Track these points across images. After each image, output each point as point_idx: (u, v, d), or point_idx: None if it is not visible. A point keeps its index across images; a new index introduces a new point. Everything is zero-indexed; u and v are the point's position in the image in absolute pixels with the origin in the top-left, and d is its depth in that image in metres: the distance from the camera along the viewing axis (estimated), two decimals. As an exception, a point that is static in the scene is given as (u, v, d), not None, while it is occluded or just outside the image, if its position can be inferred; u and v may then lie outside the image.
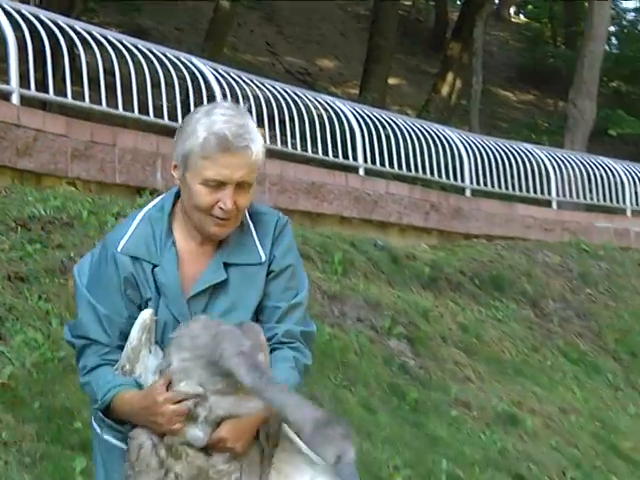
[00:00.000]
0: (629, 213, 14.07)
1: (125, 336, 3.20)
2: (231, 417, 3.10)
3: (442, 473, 6.68)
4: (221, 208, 3.15)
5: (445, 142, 12.17)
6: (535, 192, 13.04)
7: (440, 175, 11.98)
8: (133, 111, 8.86)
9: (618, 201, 14.05)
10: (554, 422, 8.54)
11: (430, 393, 7.79)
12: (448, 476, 6.69)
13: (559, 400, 8.99)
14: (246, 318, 3.25)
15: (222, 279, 3.24)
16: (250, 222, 3.29)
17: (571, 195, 13.53)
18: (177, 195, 3.26)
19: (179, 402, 3.06)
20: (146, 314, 3.19)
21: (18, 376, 5.04)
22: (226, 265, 3.24)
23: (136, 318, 3.21)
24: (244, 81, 10.21)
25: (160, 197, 3.31)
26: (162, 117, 9.23)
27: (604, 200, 13.92)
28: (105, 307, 3.20)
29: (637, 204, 14.19)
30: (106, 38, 9.07)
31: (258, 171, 3.23)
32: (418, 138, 11.78)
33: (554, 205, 13.22)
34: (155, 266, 3.22)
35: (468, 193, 12.21)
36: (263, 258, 3.27)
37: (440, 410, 7.63)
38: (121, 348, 3.20)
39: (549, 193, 13.20)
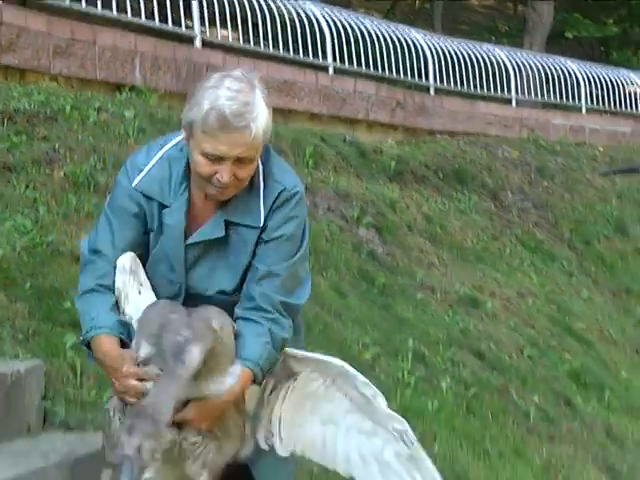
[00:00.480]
0: (584, 111, 14.08)
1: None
2: (195, 399, 3.07)
3: (408, 351, 6.76)
4: (219, 180, 3.11)
5: (410, 43, 12.09)
6: (495, 91, 13.01)
7: (405, 74, 11.92)
8: (112, 10, 8.75)
9: (574, 99, 14.05)
10: (513, 305, 8.64)
11: (397, 278, 7.86)
12: (414, 354, 6.78)
13: (517, 285, 9.09)
14: (235, 276, 3.24)
15: (219, 236, 3.22)
16: (262, 184, 3.21)
17: (529, 94, 13.51)
18: None
19: (142, 380, 3.04)
20: (125, 258, 3.18)
21: (9, 258, 5.05)
22: (227, 222, 3.21)
23: (144, 243, 3.23)
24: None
25: (182, 135, 3.22)
26: (140, 16, 9.12)
27: (560, 98, 13.93)
28: (117, 222, 3.21)
29: (592, 102, 14.21)
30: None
31: (261, 146, 3.12)
32: (385, 39, 11.71)
33: (513, 103, 13.20)
34: (164, 207, 3.21)
35: (432, 91, 12.17)
36: (261, 223, 3.21)
37: (406, 293, 7.71)
38: None
39: (509, 91, 13.18)
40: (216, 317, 3.06)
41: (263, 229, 3.21)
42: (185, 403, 3.05)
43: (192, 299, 3.27)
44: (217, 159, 3.08)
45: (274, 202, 3.20)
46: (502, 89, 13.09)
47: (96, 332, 3.14)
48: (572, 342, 8.64)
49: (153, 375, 3.01)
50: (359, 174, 9.23)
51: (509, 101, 13.17)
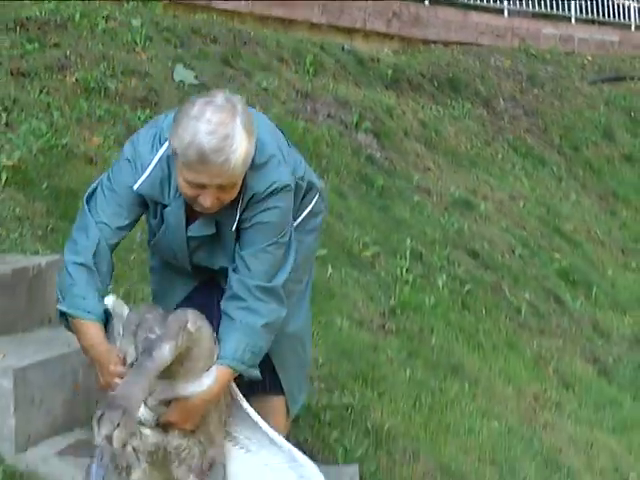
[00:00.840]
0: (573, 21, 13.97)
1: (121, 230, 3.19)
2: (176, 399, 3.07)
3: (406, 250, 6.81)
4: (201, 203, 3.06)
5: (406, -46, 11.96)
6: (488, 1, 12.90)
7: (401, -15, 11.82)
8: None
9: (563, 9, 13.93)
10: (505, 207, 8.68)
11: (394, 181, 7.89)
12: (412, 252, 6.82)
13: (509, 188, 9.12)
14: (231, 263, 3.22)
15: (210, 233, 3.20)
16: (249, 179, 3.11)
17: (521, 3, 13.39)
18: None
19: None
20: (109, 300, 3.18)
21: (26, 160, 5.07)
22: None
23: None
24: None
25: None
26: None
27: (551, 8, 13.80)
28: (118, 198, 3.16)
29: (581, 12, 14.08)
30: None
31: (243, 172, 3.03)
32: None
33: (505, 13, 13.10)
34: (165, 206, 3.18)
35: (427, 2, 12.07)
36: (234, 228, 3.17)
37: (404, 196, 7.74)
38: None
39: (501, 1, 13.06)
40: (192, 319, 3.04)
41: (241, 221, 3.17)
42: (167, 404, 3.07)
43: (205, 271, 3.34)
44: (199, 185, 3.02)
45: (251, 199, 3.13)
46: (494, -1, 12.99)
47: (85, 316, 3.12)
48: (561, 242, 8.69)
49: None
50: (357, 82, 9.20)
51: (501, 11, 13.06)
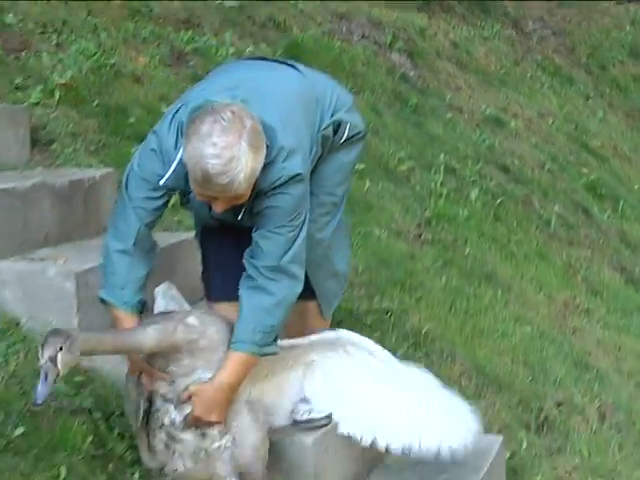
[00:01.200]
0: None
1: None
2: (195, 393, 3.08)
3: (440, 165, 6.83)
4: (214, 209, 3.07)
5: None
6: None
7: None
8: None
9: None
10: (534, 124, 8.66)
11: (428, 99, 7.88)
12: (445, 167, 6.84)
13: (538, 106, 9.08)
14: None
15: (229, 219, 3.21)
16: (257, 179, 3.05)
17: None
18: None
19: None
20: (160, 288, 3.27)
21: (78, 79, 5.09)
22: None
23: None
24: None
25: None
26: None
27: None
28: (146, 185, 3.16)
29: None
30: None
31: (251, 186, 3.00)
32: None
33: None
34: (190, 192, 3.16)
35: None
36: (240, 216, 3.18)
37: (437, 113, 7.73)
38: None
39: None
40: (197, 315, 3.08)
41: (252, 208, 3.16)
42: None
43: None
44: (208, 197, 3.03)
45: (265, 188, 3.11)
46: None
47: (121, 307, 3.16)
48: (589, 158, 8.67)
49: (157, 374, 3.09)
50: (389, 4, 9.13)
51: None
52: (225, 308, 3.48)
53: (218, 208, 3.03)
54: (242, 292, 3.14)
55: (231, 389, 3.11)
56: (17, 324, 3.57)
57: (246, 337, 3.09)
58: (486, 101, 8.49)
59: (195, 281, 3.88)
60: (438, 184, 6.59)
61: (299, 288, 3.19)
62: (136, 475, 3.14)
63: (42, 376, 2.71)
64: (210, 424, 3.10)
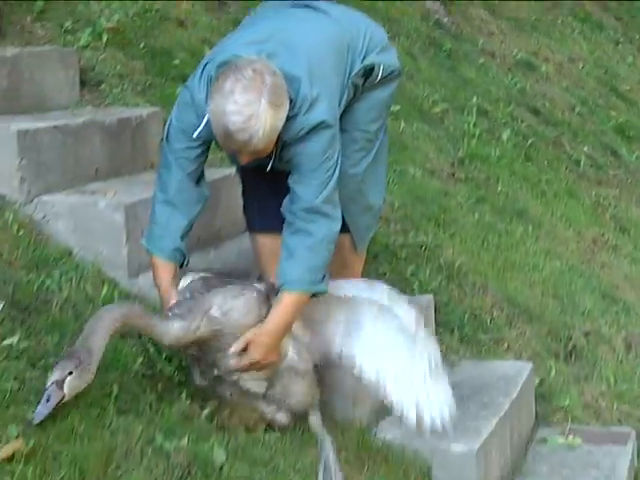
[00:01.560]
0: None
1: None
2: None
3: (473, 107, 6.79)
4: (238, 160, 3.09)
5: None
6: None
7: None
8: None
9: None
10: (564, 69, 8.58)
11: (461, 44, 7.81)
12: (478, 109, 6.80)
13: (568, 51, 8.99)
14: None
15: (263, 165, 3.19)
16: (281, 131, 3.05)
17: None
18: None
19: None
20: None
21: (124, 23, 5.08)
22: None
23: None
24: None
25: None
26: None
27: None
28: (185, 138, 3.18)
29: None
30: None
31: (272, 141, 3.01)
32: None
33: None
34: None
35: None
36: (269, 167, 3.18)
37: (470, 58, 7.67)
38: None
39: None
40: (219, 303, 3.05)
41: (281, 158, 3.16)
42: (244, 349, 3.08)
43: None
44: (232, 150, 3.05)
45: (281, 149, 3.13)
46: None
47: (159, 255, 3.19)
48: (617, 101, 8.59)
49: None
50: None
51: None
52: (263, 238, 3.56)
53: (242, 161, 3.06)
54: (284, 239, 3.15)
55: (284, 330, 3.13)
56: (70, 254, 3.62)
57: (295, 277, 3.09)
58: (518, 46, 8.41)
59: (237, 214, 3.92)
60: (471, 125, 6.56)
61: (337, 227, 3.18)
62: (183, 395, 3.18)
63: (45, 398, 2.66)
64: (265, 366, 3.12)
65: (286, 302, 3.10)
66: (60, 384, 2.68)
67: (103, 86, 4.68)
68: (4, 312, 3.10)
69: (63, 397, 2.69)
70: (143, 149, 4.32)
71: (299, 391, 3.23)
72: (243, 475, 2.93)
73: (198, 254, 3.77)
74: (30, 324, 3.14)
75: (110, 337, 2.90)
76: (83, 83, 4.62)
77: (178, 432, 2.91)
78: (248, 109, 2.91)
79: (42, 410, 2.64)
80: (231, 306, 3.06)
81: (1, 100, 4.11)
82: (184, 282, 3.22)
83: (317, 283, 3.14)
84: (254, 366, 3.12)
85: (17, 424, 2.63)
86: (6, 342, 2.96)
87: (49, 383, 2.68)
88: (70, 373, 2.69)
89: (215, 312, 3.04)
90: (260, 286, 3.17)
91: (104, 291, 3.49)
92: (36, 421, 2.63)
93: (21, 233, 3.56)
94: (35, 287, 3.33)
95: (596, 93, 8.46)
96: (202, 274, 3.23)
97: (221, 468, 2.89)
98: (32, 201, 3.70)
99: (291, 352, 3.20)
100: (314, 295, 3.15)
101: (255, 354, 3.09)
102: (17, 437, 2.57)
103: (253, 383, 3.17)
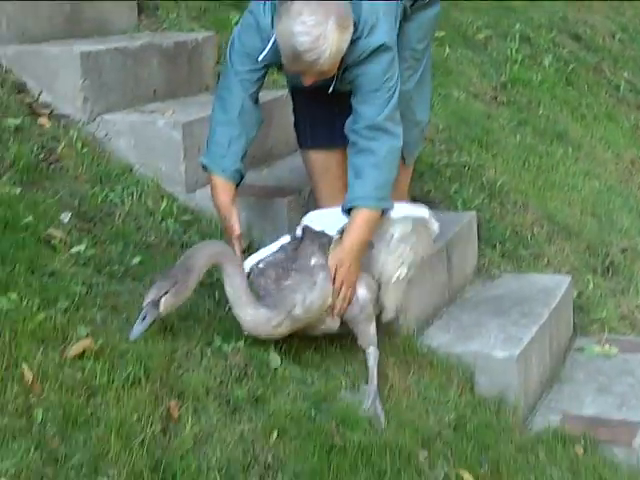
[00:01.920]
0: None
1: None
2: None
3: (516, 33, 6.70)
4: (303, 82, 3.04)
5: None
6: None
7: None
8: None
9: None
10: (606, -4, 8.41)
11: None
12: (520, 35, 6.71)
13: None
14: None
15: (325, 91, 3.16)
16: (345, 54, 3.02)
17: None
18: None
19: None
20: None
21: None
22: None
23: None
24: None
25: None
26: None
27: None
28: (249, 61, 3.16)
29: None
30: None
31: (337, 61, 2.99)
32: None
33: None
34: None
35: None
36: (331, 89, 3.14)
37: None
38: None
39: None
40: (301, 301, 2.97)
41: (343, 79, 3.13)
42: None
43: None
44: (298, 71, 3.02)
45: (352, 59, 3.08)
46: None
47: (220, 174, 3.17)
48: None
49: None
50: None
51: None
52: (315, 154, 3.57)
53: (307, 82, 3.04)
54: (349, 159, 3.14)
55: (361, 248, 3.10)
56: (130, 169, 3.67)
57: (363, 194, 3.08)
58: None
59: (289, 134, 3.94)
60: (513, 51, 6.48)
61: (399, 143, 3.16)
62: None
63: (141, 315, 2.69)
64: (354, 283, 3.09)
65: (357, 221, 3.09)
66: (156, 303, 2.71)
67: (160, 12, 4.69)
68: (71, 222, 3.17)
69: (158, 315, 2.72)
70: (198, 72, 4.34)
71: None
72: (296, 376, 2.99)
73: (252, 171, 3.80)
74: (95, 234, 3.21)
75: (209, 265, 2.88)
76: (140, 9, 4.64)
77: (235, 335, 2.97)
78: (316, 30, 2.89)
79: (138, 328, 2.68)
80: (310, 300, 3.00)
81: (64, 24, 4.14)
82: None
83: (385, 200, 3.14)
84: (342, 286, 3.06)
85: (86, 325, 2.70)
86: (74, 250, 3.03)
87: (145, 302, 2.71)
88: (166, 293, 2.72)
89: (298, 310, 2.98)
90: (315, 257, 3.06)
91: (163, 205, 3.55)
92: (132, 338, 2.67)
93: (85, 150, 3.62)
94: (99, 200, 3.40)
95: (636, 20, 8.29)
96: (260, 265, 3.09)
97: (275, 369, 2.95)
98: (95, 120, 3.75)
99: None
100: (383, 213, 3.15)
101: (339, 277, 3.06)
102: (86, 336, 2.65)
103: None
